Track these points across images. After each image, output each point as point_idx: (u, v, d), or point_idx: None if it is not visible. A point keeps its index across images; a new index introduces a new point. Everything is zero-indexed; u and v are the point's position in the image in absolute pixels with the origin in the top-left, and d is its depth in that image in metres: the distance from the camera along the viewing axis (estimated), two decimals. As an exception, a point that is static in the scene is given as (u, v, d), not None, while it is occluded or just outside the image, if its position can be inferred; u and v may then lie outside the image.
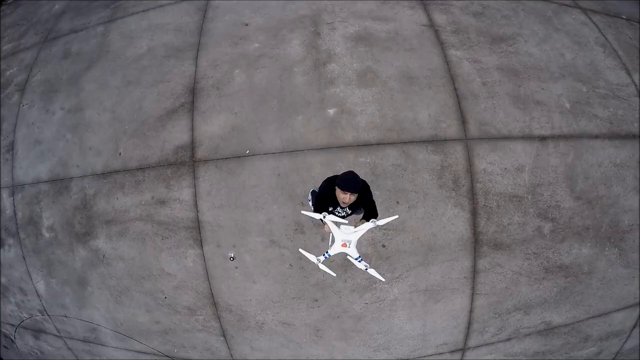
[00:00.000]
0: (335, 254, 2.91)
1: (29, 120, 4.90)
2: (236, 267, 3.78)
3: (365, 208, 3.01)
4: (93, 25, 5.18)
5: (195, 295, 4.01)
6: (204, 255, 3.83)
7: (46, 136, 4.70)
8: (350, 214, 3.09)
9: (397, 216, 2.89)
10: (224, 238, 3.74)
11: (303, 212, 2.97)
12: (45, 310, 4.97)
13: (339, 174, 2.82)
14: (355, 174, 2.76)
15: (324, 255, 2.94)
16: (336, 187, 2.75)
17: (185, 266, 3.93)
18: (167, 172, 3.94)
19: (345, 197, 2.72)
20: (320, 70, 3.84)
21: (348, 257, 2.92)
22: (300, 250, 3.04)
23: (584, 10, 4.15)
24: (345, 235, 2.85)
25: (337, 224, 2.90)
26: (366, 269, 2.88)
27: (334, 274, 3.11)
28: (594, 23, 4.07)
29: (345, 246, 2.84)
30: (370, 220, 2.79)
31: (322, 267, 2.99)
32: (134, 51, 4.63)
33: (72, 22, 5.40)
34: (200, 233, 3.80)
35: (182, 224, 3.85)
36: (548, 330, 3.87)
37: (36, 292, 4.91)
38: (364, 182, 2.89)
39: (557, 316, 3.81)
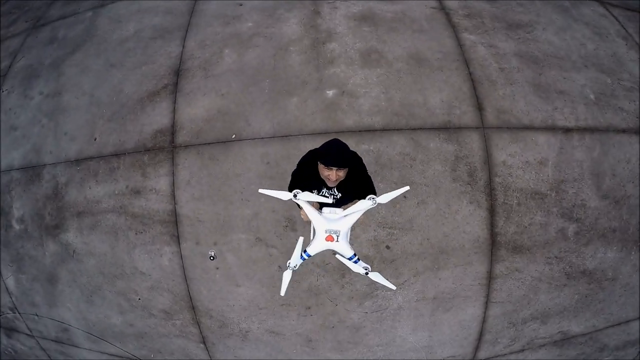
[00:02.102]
0: (318, 253, 1.77)
1: (6, 106, 3.84)
2: (217, 268, 2.78)
3: (359, 187, 1.93)
4: (83, 11, 4.15)
5: (171, 298, 2.99)
6: (181, 253, 2.82)
7: (22, 122, 3.65)
8: (341, 198, 1.99)
9: (407, 187, 1.73)
10: (204, 234, 2.75)
11: (261, 190, 1.76)
12: (16, 308, 3.87)
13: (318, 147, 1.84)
14: (341, 141, 1.77)
15: (301, 256, 1.79)
16: (319, 162, 1.77)
17: (160, 265, 2.92)
18: (143, 158, 2.94)
19: (330, 174, 1.74)
20: (319, 49, 2.89)
21: (337, 256, 1.79)
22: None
23: (603, 3, 3.29)
24: (331, 223, 1.70)
25: (317, 207, 1.80)
26: (366, 274, 1.77)
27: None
28: (613, 16, 3.22)
29: (332, 240, 1.68)
30: (367, 197, 1.68)
31: (285, 276, 1.81)
32: (120, 34, 3.64)
33: (62, 9, 4.38)
34: (177, 228, 2.80)
35: (158, 217, 2.85)
36: (564, 340, 2.95)
37: (6, 288, 3.80)
38: (354, 153, 1.90)
39: (575, 325, 2.89)
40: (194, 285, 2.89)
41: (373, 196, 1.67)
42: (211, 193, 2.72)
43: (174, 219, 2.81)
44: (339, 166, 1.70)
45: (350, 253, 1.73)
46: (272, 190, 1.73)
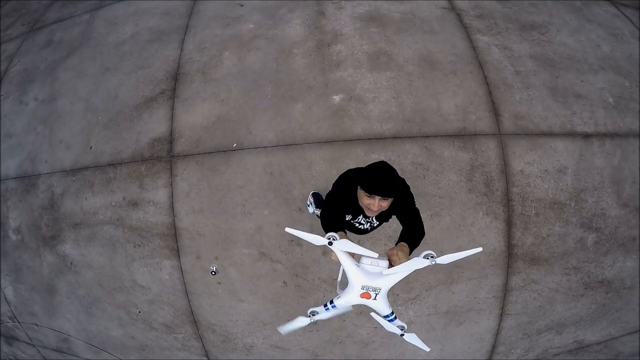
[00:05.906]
0: (349, 307, 1.34)
1: (2, 113, 3.43)
2: (219, 283, 2.46)
3: (403, 219, 1.49)
4: (80, 13, 3.74)
5: (172, 312, 2.66)
6: (181, 268, 2.49)
7: (17, 129, 3.27)
8: (377, 226, 1.65)
9: (480, 249, 1.21)
10: (205, 248, 2.41)
11: (288, 229, 1.27)
12: (15, 317, 3.52)
13: (362, 167, 1.47)
14: (389, 165, 1.40)
15: (325, 306, 1.36)
16: (359, 187, 1.41)
17: (160, 279, 2.58)
18: (140, 168, 2.58)
19: (372, 204, 1.38)
20: (324, 52, 2.54)
21: (372, 314, 1.35)
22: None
23: (614, 3, 2.93)
24: (371, 279, 1.26)
25: (356, 258, 1.33)
26: (402, 334, 1.36)
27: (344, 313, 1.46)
28: (625, 16, 2.88)
29: (368, 297, 1.27)
30: (424, 254, 1.18)
31: (298, 321, 1.42)
32: (116, 37, 3.25)
33: (60, 12, 3.96)
34: (176, 241, 2.46)
35: (156, 231, 2.50)
36: (579, 349, 2.64)
37: (5, 297, 3.44)
38: (402, 180, 1.52)
39: (591, 334, 2.61)
40: (195, 299, 2.56)
41: (432, 253, 1.18)
42: (212, 205, 2.37)
43: (173, 232, 2.47)
44: (384, 195, 1.35)
45: (387, 311, 1.31)
46: (302, 232, 1.24)
